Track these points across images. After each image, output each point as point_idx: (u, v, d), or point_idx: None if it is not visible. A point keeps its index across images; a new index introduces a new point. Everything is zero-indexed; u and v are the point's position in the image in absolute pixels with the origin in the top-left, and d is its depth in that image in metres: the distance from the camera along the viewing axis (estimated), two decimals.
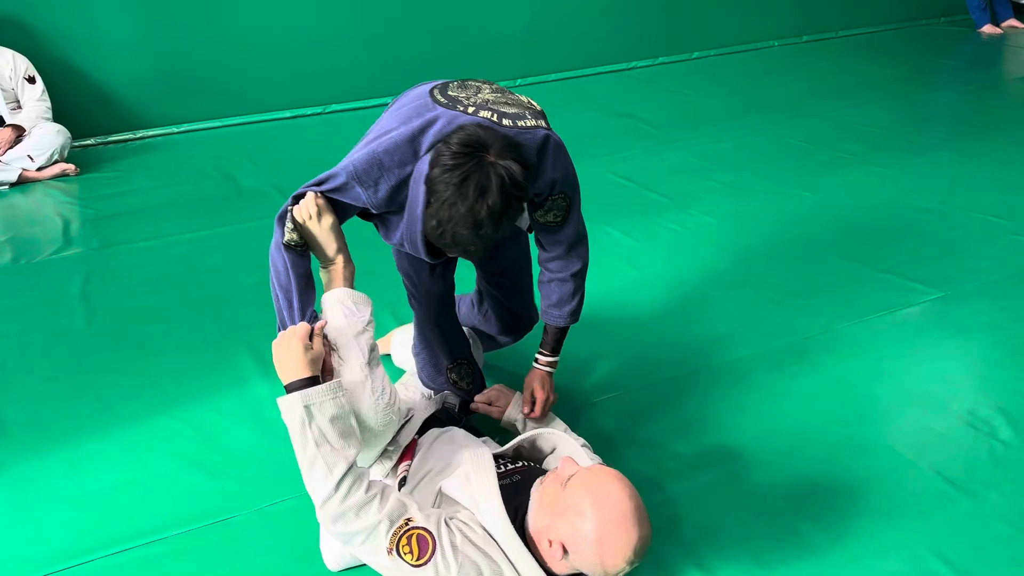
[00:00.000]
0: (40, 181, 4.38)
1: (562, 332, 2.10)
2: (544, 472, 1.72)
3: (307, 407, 1.52)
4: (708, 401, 2.41)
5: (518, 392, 2.19)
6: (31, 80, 4.49)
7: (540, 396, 2.11)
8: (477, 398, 2.20)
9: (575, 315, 2.05)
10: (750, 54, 6.59)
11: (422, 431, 1.97)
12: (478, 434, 2.02)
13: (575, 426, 2.25)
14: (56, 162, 4.43)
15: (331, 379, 1.61)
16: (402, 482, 1.78)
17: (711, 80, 5.92)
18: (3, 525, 2.04)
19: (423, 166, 1.68)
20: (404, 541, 1.50)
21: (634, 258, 3.27)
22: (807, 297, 2.96)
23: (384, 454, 1.87)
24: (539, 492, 1.61)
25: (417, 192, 1.69)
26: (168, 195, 4.12)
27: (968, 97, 5.41)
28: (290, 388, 1.54)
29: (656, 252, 3.32)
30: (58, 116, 4.56)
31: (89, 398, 2.51)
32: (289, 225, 1.77)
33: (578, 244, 1.98)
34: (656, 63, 6.38)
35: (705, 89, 5.68)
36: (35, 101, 4.48)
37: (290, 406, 1.53)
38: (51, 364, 2.71)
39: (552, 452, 1.88)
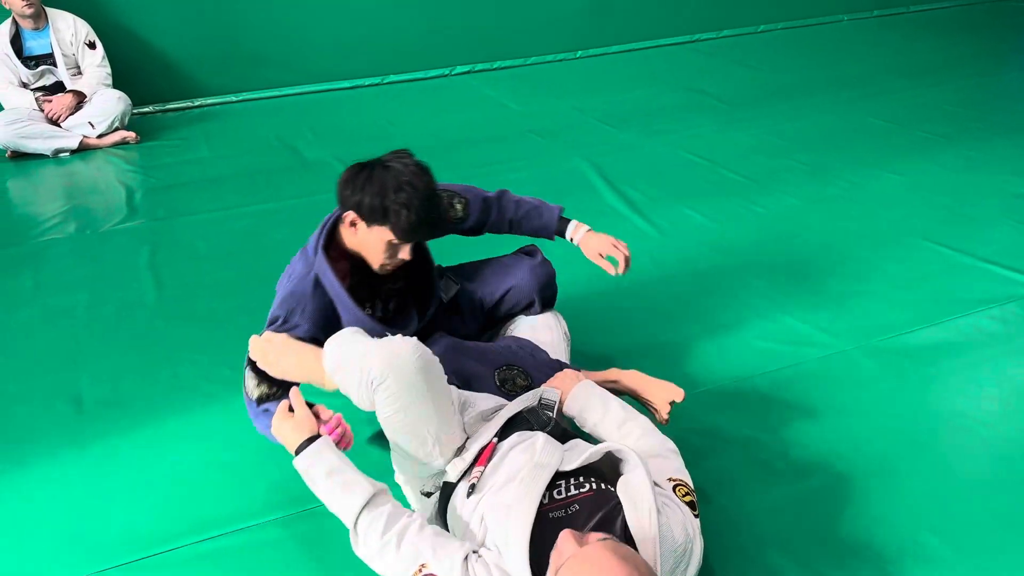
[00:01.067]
0: (100, 148, 4.34)
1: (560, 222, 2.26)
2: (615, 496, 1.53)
3: (305, 470, 1.57)
4: (810, 398, 2.27)
5: (582, 377, 1.90)
6: (91, 45, 4.43)
7: (620, 247, 2.17)
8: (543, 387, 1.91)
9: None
10: (818, 28, 6.37)
11: (506, 434, 1.74)
12: (566, 439, 1.75)
13: (660, 425, 2.16)
14: (116, 129, 4.38)
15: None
16: (472, 488, 1.60)
17: (779, 55, 5.72)
18: (86, 509, 1.98)
19: (320, 263, 1.87)
20: None
21: (719, 242, 3.13)
22: (903, 287, 2.80)
23: (459, 453, 1.70)
24: (553, 555, 1.38)
25: (330, 279, 1.86)
26: (231, 166, 4.05)
27: None
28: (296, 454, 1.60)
29: (742, 236, 3.17)
30: (116, 83, 4.50)
31: (165, 375, 2.45)
32: (252, 382, 1.82)
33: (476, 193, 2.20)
34: (720, 36, 6.18)
35: (773, 64, 5.49)
36: (95, 67, 4.42)
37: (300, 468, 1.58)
38: (124, 338, 2.66)
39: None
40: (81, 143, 4.29)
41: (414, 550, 1.44)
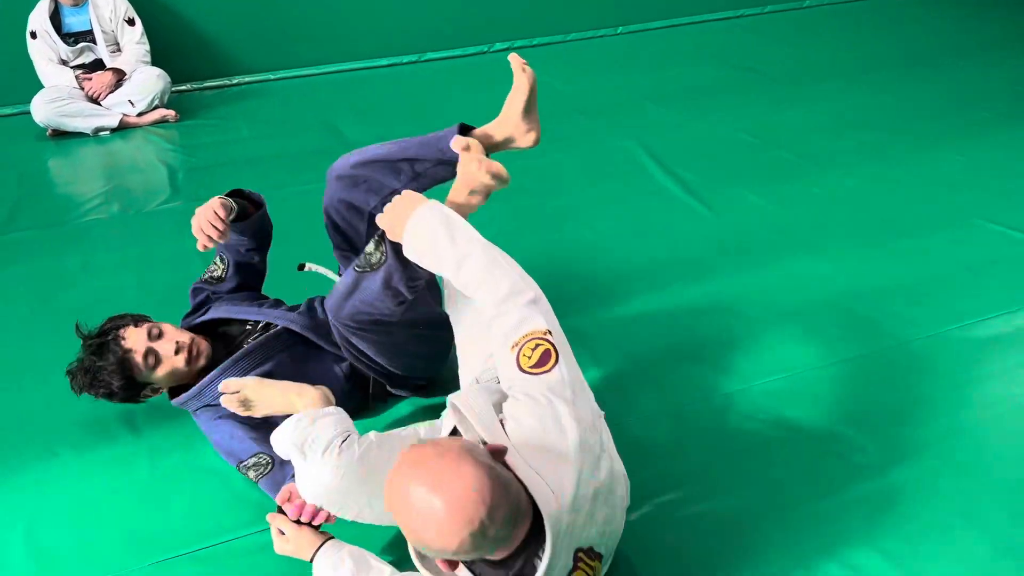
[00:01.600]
0: (140, 127, 4.29)
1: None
2: None
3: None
4: (887, 388, 2.19)
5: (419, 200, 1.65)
6: (131, 22, 4.37)
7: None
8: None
9: None
10: (862, 4, 6.18)
11: None
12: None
13: (733, 414, 2.09)
14: (156, 107, 4.34)
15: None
16: None
17: (824, 31, 5.56)
18: (152, 503, 1.95)
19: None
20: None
21: (778, 224, 3.03)
22: (976, 271, 2.69)
23: None
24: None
25: None
26: (272, 146, 3.99)
27: None
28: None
29: (801, 218, 3.07)
30: (154, 60, 4.45)
31: None
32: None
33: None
34: (764, 11, 6.02)
35: (819, 41, 5.33)
36: (134, 44, 4.37)
37: None
38: (175, 321, 2.61)
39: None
40: (121, 121, 4.25)
41: None
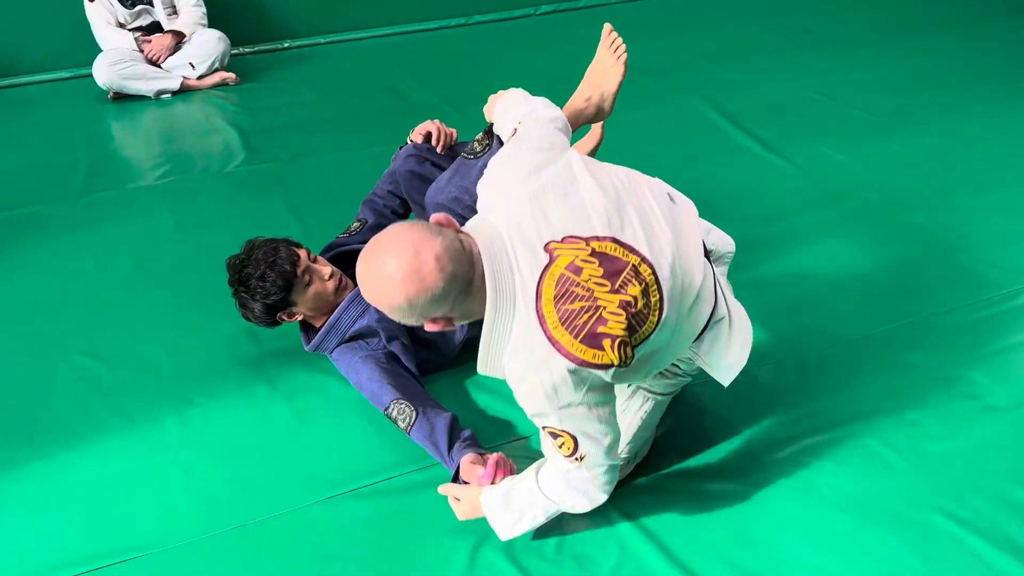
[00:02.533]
0: (200, 90, 4.28)
1: None
2: None
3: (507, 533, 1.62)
4: (1004, 333, 2.23)
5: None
6: None
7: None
8: None
9: None
10: None
11: None
12: None
13: (857, 360, 2.13)
14: (216, 70, 4.32)
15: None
16: None
17: None
18: (300, 445, 1.98)
19: None
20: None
21: (865, 180, 3.05)
22: None
23: None
24: None
25: None
26: (339, 108, 3.98)
27: None
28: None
29: (887, 175, 3.09)
30: (209, 24, 4.42)
31: None
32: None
33: None
34: None
35: (863, 1, 5.30)
36: (191, 6, 4.34)
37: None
38: None
39: None
40: (182, 84, 4.23)
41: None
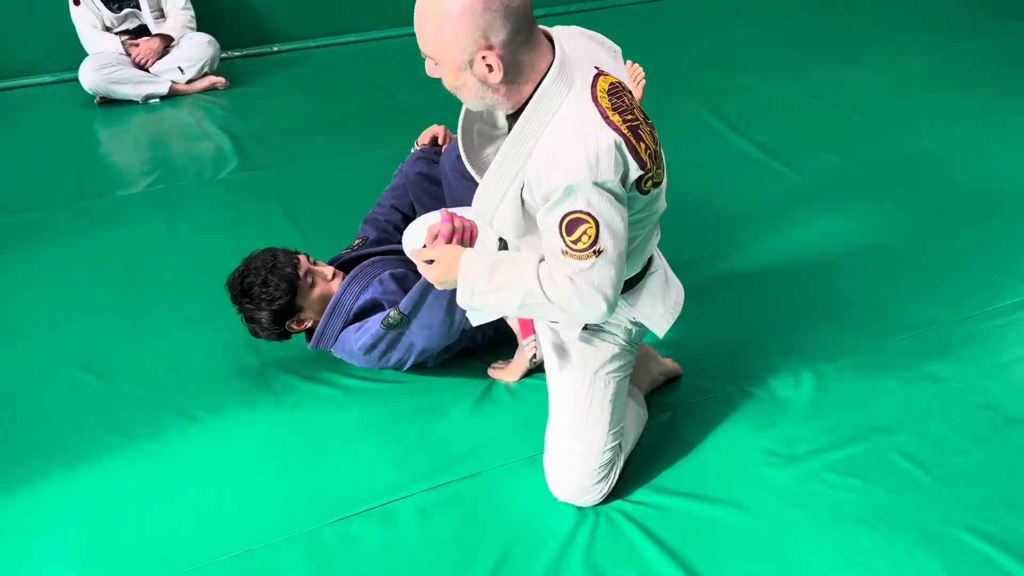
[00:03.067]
0: (190, 94, 4.21)
1: None
2: None
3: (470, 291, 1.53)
4: (1018, 344, 2.21)
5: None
6: None
7: None
8: None
9: None
10: None
11: None
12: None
13: (873, 371, 2.10)
14: (206, 75, 4.25)
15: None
16: None
17: None
18: (307, 465, 1.92)
19: None
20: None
21: (870, 186, 3.03)
22: None
23: None
24: None
25: None
26: (331, 112, 3.92)
27: None
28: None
29: (893, 180, 3.06)
30: (198, 27, 4.34)
31: None
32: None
33: None
34: None
35: (863, 2, 5.30)
36: (179, 9, 4.27)
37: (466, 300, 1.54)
38: None
39: None
40: (170, 89, 4.15)
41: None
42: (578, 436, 1.70)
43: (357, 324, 2.06)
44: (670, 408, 2.02)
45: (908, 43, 4.51)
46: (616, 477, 1.75)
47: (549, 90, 1.39)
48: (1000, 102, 3.70)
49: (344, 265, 2.27)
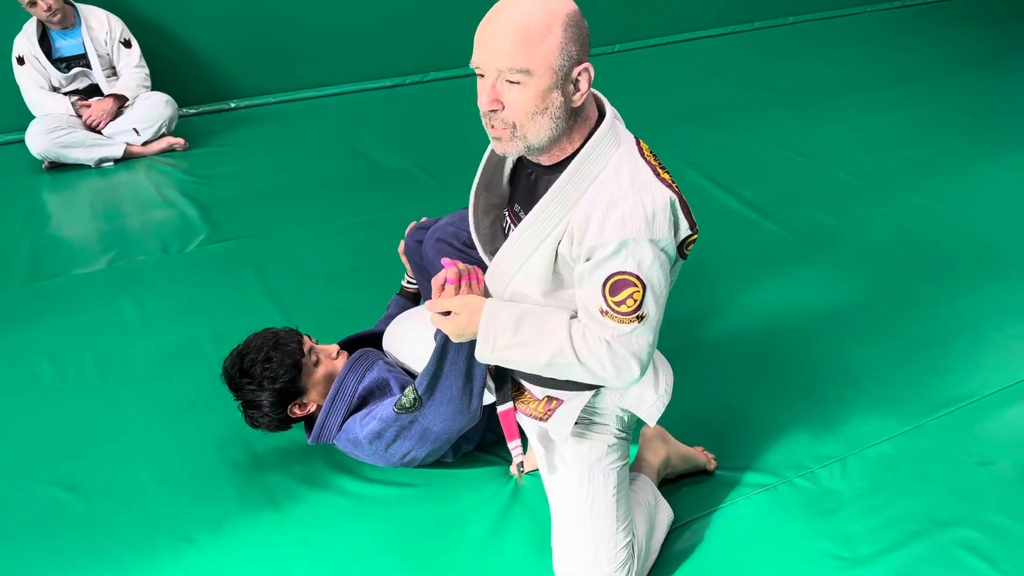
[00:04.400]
0: (146, 156, 3.98)
1: None
2: None
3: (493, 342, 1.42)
4: None
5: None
6: (127, 44, 4.06)
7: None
8: None
9: None
10: (848, 20, 6.29)
11: None
12: None
13: (915, 448, 2.00)
14: (163, 135, 4.03)
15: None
16: None
17: (819, 47, 5.62)
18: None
19: None
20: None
21: (868, 248, 2.98)
22: None
23: None
24: None
25: None
26: (302, 175, 3.74)
27: None
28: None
29: (890, 239, 3.02)
30: (152, 85, 4.13)
31: None
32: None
33: None
34: (753, 28, 6.06)
35: (819, 56, 5.38)
36: (133, 68, 4.05)
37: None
38: None
39: None
40: (125, 151, 3.92)
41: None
42: (587, 536, 1.57)
43: (364, 410, 1.89)
44: (712, 505, 1.88)
45: (871, 96, 4.55)
46: None
47: (603, 139, 1.35)
48: (977, 153, 3.73)
49: (349, 346, 2.12)
